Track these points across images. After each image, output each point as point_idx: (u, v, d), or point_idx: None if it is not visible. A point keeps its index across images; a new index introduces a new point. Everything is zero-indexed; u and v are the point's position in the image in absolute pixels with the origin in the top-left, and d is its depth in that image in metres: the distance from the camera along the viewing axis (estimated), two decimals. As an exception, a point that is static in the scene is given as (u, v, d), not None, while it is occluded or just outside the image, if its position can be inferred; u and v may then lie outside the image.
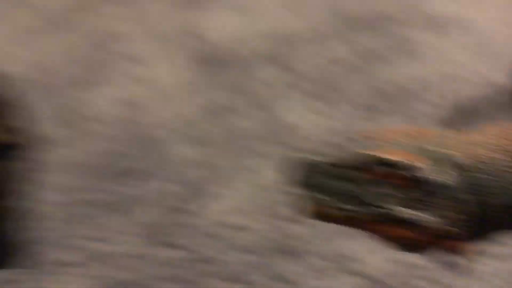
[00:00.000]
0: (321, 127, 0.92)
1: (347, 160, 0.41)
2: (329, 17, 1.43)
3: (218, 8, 1.61)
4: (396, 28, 1.31)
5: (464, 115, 0.95)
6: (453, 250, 0.37)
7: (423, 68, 1.10)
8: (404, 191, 0.38)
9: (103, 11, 1.69)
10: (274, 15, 1.50)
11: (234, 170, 0.83)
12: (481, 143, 0.36)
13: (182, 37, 1.42)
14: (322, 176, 0.42)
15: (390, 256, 0.64)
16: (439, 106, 0.95)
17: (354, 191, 0.41)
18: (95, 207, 0.78)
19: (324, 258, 0.65)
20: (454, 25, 1.30)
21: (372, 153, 0.41)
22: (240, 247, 0.68)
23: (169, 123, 0.99)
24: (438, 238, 0.37)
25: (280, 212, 0.73)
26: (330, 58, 1.18)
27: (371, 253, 0.65)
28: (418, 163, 0.37)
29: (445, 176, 0.36)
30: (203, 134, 0.94)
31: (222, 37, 1.38)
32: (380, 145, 0.40)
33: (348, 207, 0.41)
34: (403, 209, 0.38)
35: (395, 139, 0.40)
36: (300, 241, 0.68)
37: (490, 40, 1.20)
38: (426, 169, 0.37)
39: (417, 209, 0.38)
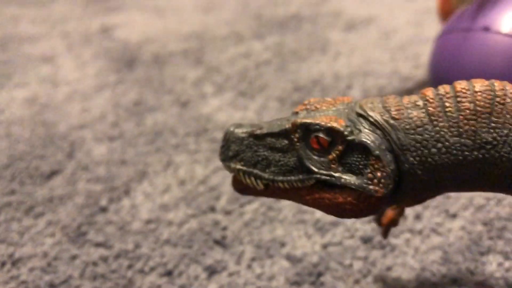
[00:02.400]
0: (235, 117, 0.93)
1: (265, 129, 0.41)
2: (246, 20, 1.45)
3: (128, 10, 1.58)
4: (309, 28, 1.35)
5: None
6: (378, 211, 0.38)
7: (334, 62, 1.14)
8: (323, 153, 0.38)
9: (8, 12, 1.61)
10: (191, 17, 1.50)
11: (154, 165, 0.82)
12: (395, 104, 0.37)
13: (90, 37, 1.38)
14: (240, 146, 0.41)
15: (318, 239, 0.66)
16: (349, 95, 0.99)
17: (272, 159, 0.40)
18: (12, 210, 0.74)
19: (254, 245, 0.65)
20: (364, 24, 1.36)
21: (288, 120, 0.41)
22: (170, 242, 0.67)
23: (84, 123, 0.96)
24: (365, 199, 0.37)
25: (207, 204, 0.73)
26: (245, 54, 1.20)
27: (300, 237, 0.66)
28: (334, 123, 0.37)
29: (363, 135, 0.37)
30: (118, 131, 0.92)
31: (132, 36, 1.36)
32: (300, 115, 0.41)
33: (266, 175, 0.40)
34: (324, 172, 0.38)
35: (316, 108, 0.41)
36: (229, 231, 0.68)
37: (396, 37, 1.27)
38: (343, 129, 0.37)
39: (339, 172, 0.38)
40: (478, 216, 0.67)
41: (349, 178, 0.38)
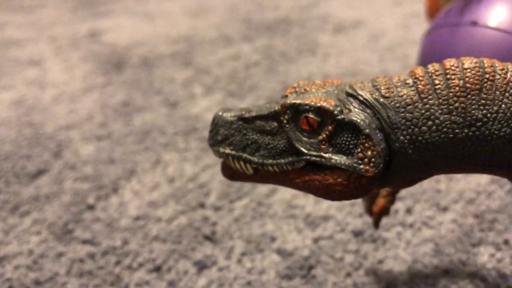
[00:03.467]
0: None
1: (254, 112, 0.41)
2: (235, 23, 1.45)
3: (117, 15, 1.58)
4: (298, 31, 1.36)
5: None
6: (369, 192, 0.37)
7: (323, 63, 1.14)
8: (313, 134, 0.38)
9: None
10: (180, 21, 1.50)
11: (143, 164, 0.81)
12: (384, 82, 0.37)
13: (78, 41, 1.37)
14: (229, 130, 0.40)
15: (308, 234, 0.65)
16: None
17: (261, 142, 0.40)
18: (-4, 211, 0.73)
19: (244, 240, 0.64)
20: (352, 27, 1.37)
21: (277, 102, 0.40)
22: (158, 238, 0.66)
23: (71, 123, 0.95)
24: (355, 180, 0.37)
25: (197, 200, 0.72)
26: (234, 57, 1.20)
27: (290, 231, 0.65)
28: (323, 103, 0.37)
29: (352, 114, 0.36)
30: (106, 131, 0.91)
31: (121, 40, 1.35)
32: (289, 97, 0.40)
33: (256, 159, 0.40)
34: (314, 153, 0.37)
35: (305, 90, 0.40)
36: (219, 226, 0.67)
37: (384, 39, 1.27)
38: (333, 108, 0.36)
39: (330, 153, 0.37)
40: (469, 209, 0.67)
41: (339, 159, 0.37)
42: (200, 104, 0.99)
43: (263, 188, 0.74)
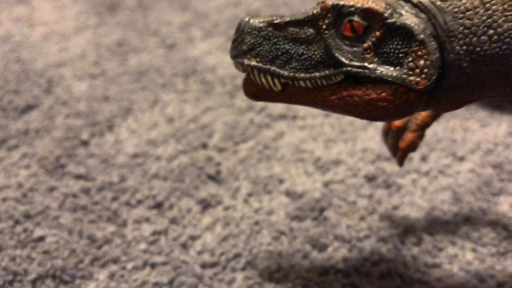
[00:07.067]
0: (226, 61, 0.87)
1: (287, 17, 0.35)
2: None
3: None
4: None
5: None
6: (414, 111, 0.33)
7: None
8: (357, 42, 0.32)
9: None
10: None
11: (140, 103, 0.76)
12: None
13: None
14: (257, 38, 0.35)
15: (319, 177, 0.61)
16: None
17: (294, 52, 0.34)
18: (-18, 142, 0.67)
19: (250, 181, 0.60)
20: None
21: (314, 7, 0.35)
22: (158, 175, 0.61)
23: (63, 61, 0.89)
24: (402, 94, 0.33)
25: (199, 141, 0.68)
26: (234, 3, 1.14)
27: (299, 175, 0.61)
28: (372, 4, 0.32)
29: (405, 17, 0.32)
30: (100, 69, 0.85)
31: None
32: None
33: (286, 72, 0.34)
34: (356, 63, 0.32)
35: None
36: (223, 166, 0.63)
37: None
38: (383, 10, 0.32)
39: (375, 63, 0.32)
40: (487, 160, 0.64)
41: (385, 70, 0.33)
42: (199, 47, 0.94)
43: (269, 132, 0.69)
